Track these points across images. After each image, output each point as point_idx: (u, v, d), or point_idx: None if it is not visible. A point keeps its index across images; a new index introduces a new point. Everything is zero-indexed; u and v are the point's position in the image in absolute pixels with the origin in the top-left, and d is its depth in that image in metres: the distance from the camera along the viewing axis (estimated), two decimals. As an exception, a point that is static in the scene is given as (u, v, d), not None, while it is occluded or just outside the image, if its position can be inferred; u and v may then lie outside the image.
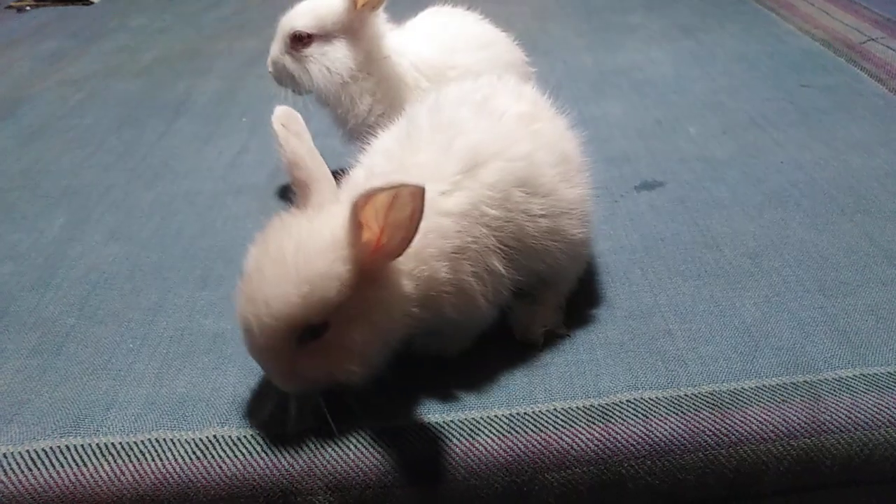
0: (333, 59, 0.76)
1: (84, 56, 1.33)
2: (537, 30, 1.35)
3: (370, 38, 0.78)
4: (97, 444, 0.54)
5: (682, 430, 0.53)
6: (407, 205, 0.48)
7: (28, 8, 1.58)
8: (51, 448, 0.53)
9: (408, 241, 0.50)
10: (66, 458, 0.53)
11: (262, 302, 0.49)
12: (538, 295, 0.62)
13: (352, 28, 0.77)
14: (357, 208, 0.48)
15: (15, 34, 1.45)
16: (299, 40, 0.77)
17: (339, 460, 0.53)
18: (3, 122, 1.08)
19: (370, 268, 0.51)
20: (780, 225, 0.76)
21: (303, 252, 0.49)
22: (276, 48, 0.79)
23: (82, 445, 0.54)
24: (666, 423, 0.53)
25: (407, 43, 0.81)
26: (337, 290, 0.49)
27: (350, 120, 0.79)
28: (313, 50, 0.77)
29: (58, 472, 0.52)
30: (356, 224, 0.49)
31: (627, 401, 0.55)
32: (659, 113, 1.01)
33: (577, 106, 1.02)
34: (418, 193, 0.47)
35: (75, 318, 0.68)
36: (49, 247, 0.79)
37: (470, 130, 0.57)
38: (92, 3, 1.61)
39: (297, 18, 0.77)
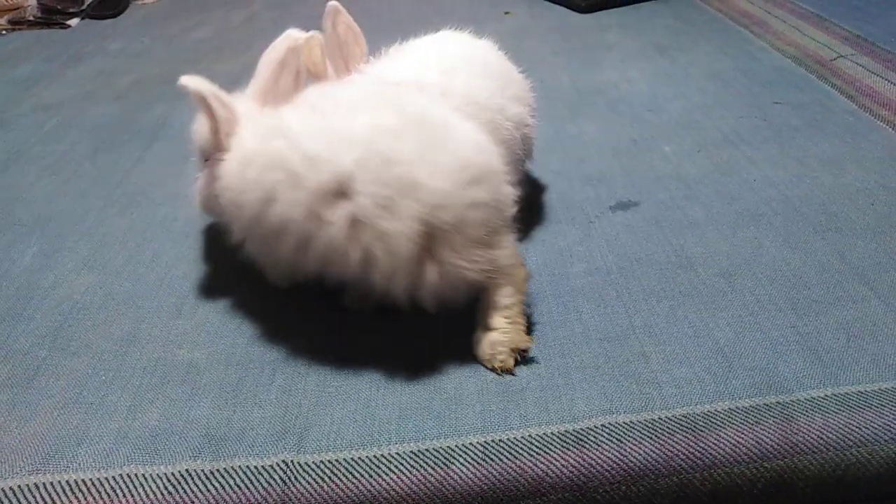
0: None
1: (60, 80, 1.33)
2: (515, 48, 1.36)
3: None
4: (67, 482, 0.53)
5: (657, 455, 0.53)
6: None
7: (4, 32, 1.57)
8: (19, 486, 0.53)
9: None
10: (35, 496, 0.52)
11: None
12: (490, 322, 0.63)
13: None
14: None
15: (-10, 59, 1.44)
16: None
17: (313, 492, 0.52)
18: (-23, 149, 1.07)
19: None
20: (753, 244, 0.77)
21: None
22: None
23: (52, 483, 0.53)
24: (640, 448, 0.54)
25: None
26: None
27: None
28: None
29: (26, 512, 0.51)
30: None
31: (602, 425, 0.55)
32: (635, 132, 1.02)
33: (554, 125, 1.05)
34: None
35: (47, 349, 0.68)
36: (21, 276, 0.78)
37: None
38: (69, 26, 1.60)
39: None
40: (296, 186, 0.58)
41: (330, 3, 0.77)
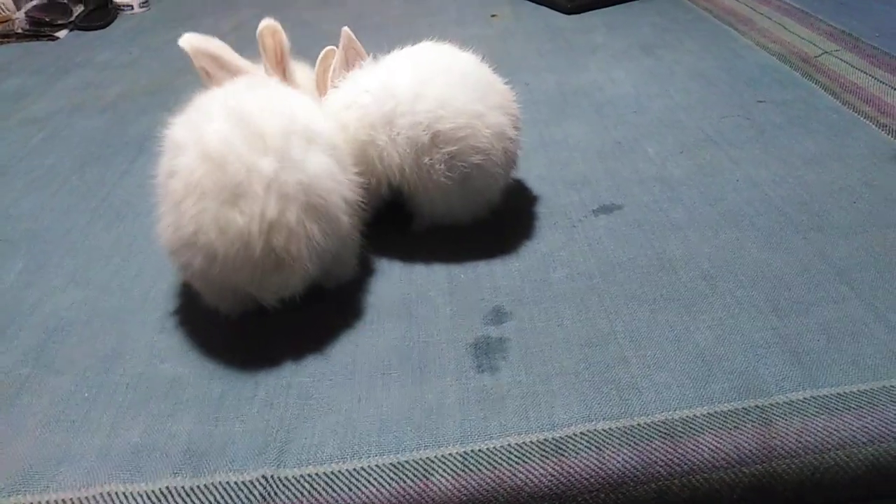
0: None
1: (47, 93, 1.33)
2: (500, 51, 1.37)
3: None
4: (47, 502, 0.53)
5: (635, 462, 0.53)
6: None
7: (-8, 45, 1.57)
8: (0, 507, 0.53)
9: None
10: (15, 516, 0.52)
11: None
12: None
13: None
14: None
15: (-22, 73, 1.44)
16: None
17: (294, 507, 0.52)
18: (-36, 165, 1.08)
19: None
20: (735, 245, 0.77)
21: None
22: None
23: None
24: (619, 455, 0.54)
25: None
26: None
27: None
28: None
29: (7, 533, 0.52)
30: None
31: (581, 433, 0.55)
32: (619, 133, 1.02)
33: (538, 129, 1.05)
34: None
35: (30, 367, 0.68)
36: (6, 293, 0.79)
37: None
38: (57, 38, 1.60)
39: None
40: None
41: (344, 29, 0.82)
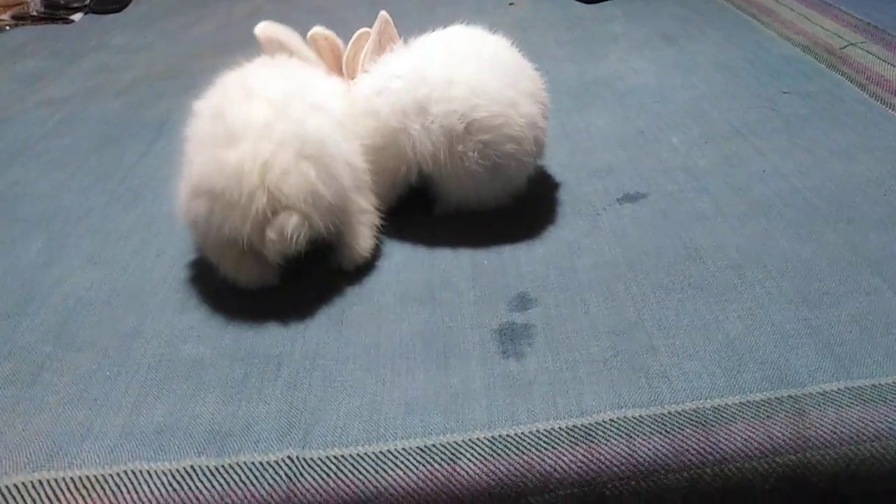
0: None
1: (64, 76, 1.32)
2: (519, 40, 1.35)
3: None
4: (71, 478, 0.52)
5: (667, 450, 0.52)
6: None
7: (7, 27, 1.56)
8: (23, 483, 0.52)
9: None
10: (38, 493, 0.52)
11: None
12: None
13: None
14: None
15: (-6, 55, 1.44)
16: None
17: (319, 488, 0.52)
18: (-18, 145, 1.07)
19: None
20: (763, 235, 0.76)
21: None
22: None
23: (56, 479, 0.53)
24: (650, 443, 0.53)
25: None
26: None
27: None
28: None
29: (30, 509, 0.51)
30: None
31: (611, 420, 0.54)
32: (642, 123, 1.01)
33: (560, 118, 1.04)
34: None
35: (51, 345, 0.67)
36: (25, 272, 0.78)
37: None
38: (72, 21, 1.60)
39: None
40: None
41: (382, 12, 0.82)
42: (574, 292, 0.70)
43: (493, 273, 0.73)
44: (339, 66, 0.83)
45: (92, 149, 1.05)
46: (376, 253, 0.76)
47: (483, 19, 1.47)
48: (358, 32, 0.83)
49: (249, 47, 0.85)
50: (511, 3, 1.56)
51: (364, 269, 0.74)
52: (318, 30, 0.82)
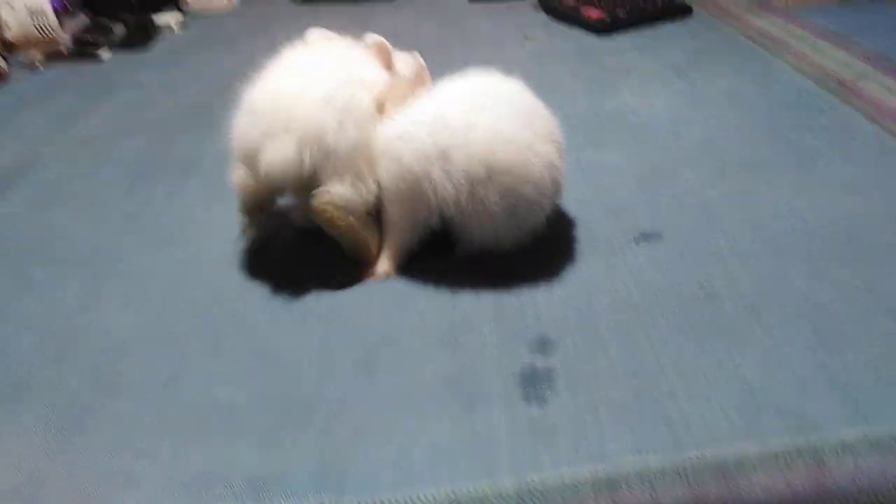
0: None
1: (94, 114, 1.37)
2: (534, 74, 1.38)
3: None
4: (117, 526, 0.55)
5: (689, 499, 0.54)
6: None
7: (40, 67, 1.62)
8: (72, 531, 0.55)
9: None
10: (86, 540, 0.54)
11: None
12: None
13: None
14: None
15: (28, 94, 1.49)
16: None
17: (353, 536, 0.54)
18: (18, 187, 1.11)
19: None
20: (778, 275, 0.78)
21: None
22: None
23: (102, 527, 0.55)
24: (673, 492, 0.54)
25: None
26: None
27: None
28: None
29: (79, 556, 0.53)
30: None
31: (635, 471, 0.56)
32: (656, 159, 1.03)
33: (576, 153, 1.06)
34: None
35: (93, 392, 0.70)
36: (64, 316, 0.81)
37: None
38: (101, 58, 1.65)
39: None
40: None
41: (417, 56, 0.87)
42: (593, 335, 0.72)
43: (513, 314, 0.75)
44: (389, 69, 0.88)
45: (123, 189, 1.08)
46: (401, 296, 0.79)
47: (499, 53, 1.51)
48: (392, 78, 0.84)
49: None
50: (526, 37, 1.59)
51: (390, 311, 0.77)
52: (373, 37, 0.87)
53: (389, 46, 0.88)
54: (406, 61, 0.87)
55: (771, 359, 0.66)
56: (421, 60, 0.85)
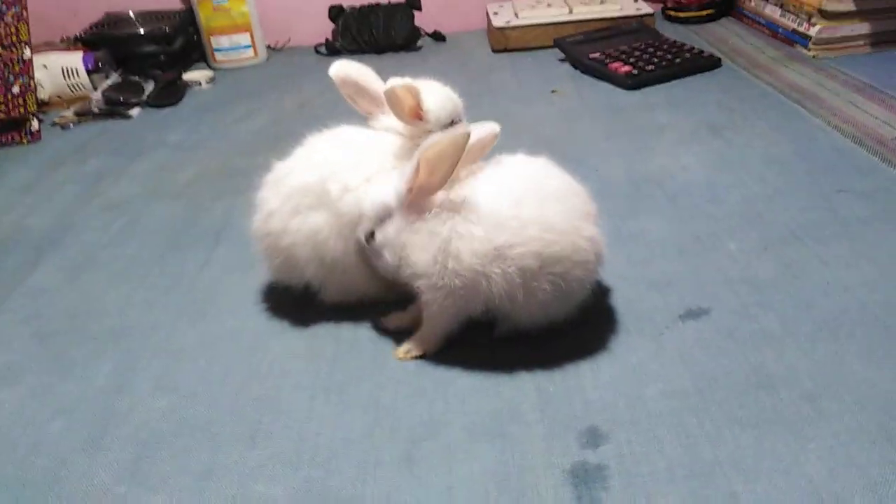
0: (393, 239, 0.79)
1: (124, 176, 1.37)
2: (566, 132, 1.37)
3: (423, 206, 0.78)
4: None
5: None
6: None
7: (71, 125, 1.64)
8: None
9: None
10: None
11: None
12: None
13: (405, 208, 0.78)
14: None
15: (59, 154, 1.50)
16: (367, 239, 0.81)
17: None
18: (51, 255, 1.11)
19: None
20: (835, 360, 0.74)
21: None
22: (359, 238, 0.82)
23: None
24: None
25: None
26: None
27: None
28: (376, 243, 0.80)
29: None
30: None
31: (700, 588, 0.53)
32: (697, 227, 1.01)
33: (614, 222, 1.04)
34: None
35: (126, 485, 0.68)
36: (97, 399, 0.80)
37: None
38: (131, 116, 1.67)
39: (369, 218, 0.80)
40: None
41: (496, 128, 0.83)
42: (646, 426, 0.69)
43: (559, 402, 0.73)
44: (415, 114, 0.85)
45: (154, 258, 1.08)
46: (441, 381, 0.77)
47: (528, 109, 1.50)
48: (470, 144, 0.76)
49: (301, 142, 0.89)
50: (554, 91, 1.58)
51: (430, 398, 0.75)
52: (395, 81, 0.82)
53: (417, 87, 0.84)
54: (478, 130, 0.81)
55: (835, 455, 0.63)
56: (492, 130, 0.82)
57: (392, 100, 0.83)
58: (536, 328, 0.80)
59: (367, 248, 0.81)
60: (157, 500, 0.66)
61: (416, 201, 0.77)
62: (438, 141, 0.73)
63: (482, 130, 0.81)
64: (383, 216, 0.79)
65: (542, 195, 0.76)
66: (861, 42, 1.61)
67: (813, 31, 1.61)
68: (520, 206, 0.74)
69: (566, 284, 0.75)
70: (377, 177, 0.82)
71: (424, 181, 0.75)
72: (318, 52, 2.05)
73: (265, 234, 0.87)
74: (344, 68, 0.89)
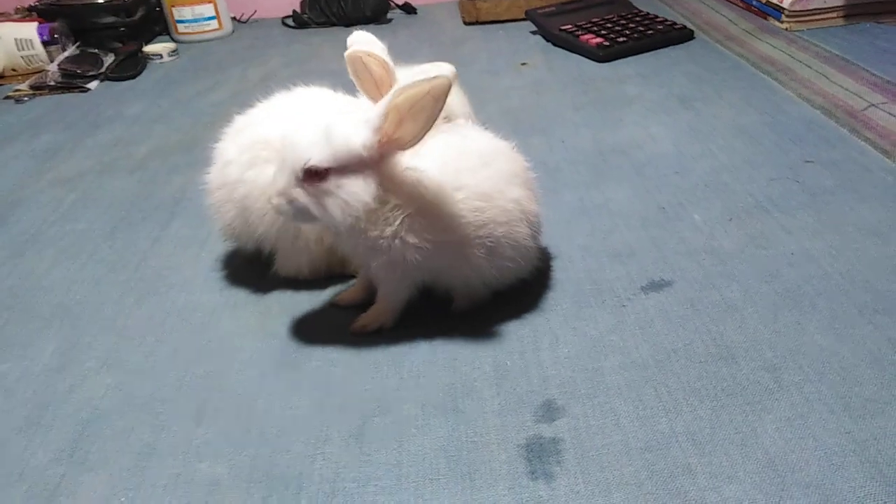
0: (351, 193, 0.69)
1: (78, 150, 1.32)
2: (534, 104, 1.34)
3: (390, 164, 0.71)
4: None
5: None
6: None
7: (26, 98, 1.58)
8: None
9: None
10: None
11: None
12: None
13: (371, 161, 0.69)
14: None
15: (11, 128, 1.45)
16: (314, 175, 0.69)
17: None
18: (-3, 230, 1.07)
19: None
20: (796, 330, 0.73)
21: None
22: (284, 180, 0.70)
23: None
24: (693, 589, 0.50)
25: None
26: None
27: (373, 237, 0.73)
28: (329, 185, 0.69)
29: None
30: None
31: (650, 561, 0.51)
32: (662, 198, 0.99)
33: (579, 192, 1.02)
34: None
35: (65, 465, 0.65)
36: (40, 378, 0.76)
37: None
38: (88, 89, 1.61)
39: (312, 152, 0.68)
40: None
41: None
42: (602, 399, 0.67)
43: (516, 376, 0.71)
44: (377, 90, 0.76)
45: (105, 234, 1.04)
46: (395, 356, 0.74)
47: (498, 82, 1.47)
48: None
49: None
50: (523, 64, 1.55)
51: (385, 373, 0.72)
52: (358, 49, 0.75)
53: (380, 57, 0.76)
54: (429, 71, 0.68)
55: (793, 426, 0.62)
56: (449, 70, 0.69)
57: (356, 67, 0.75)
58: (482, 298, 0.78)
59: (303, 189, 0.68)
60: (95, 480, 0.63)
61: (384, 154, 0.69)
62: (412, 85, 0.62)
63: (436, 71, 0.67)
64: (345, 161, 0.68)
65: (466, 160, 0.73)
66: (834, 14, 1.59)
67: (786, 3, 1.59)
68: (445, 173, 0.72)
69: (492, 245, 0.73)
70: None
71: (393, 133, 0.67)
72: (285, 24, 2.00)
73: (220, 185, 0.84)
74: (361, 41, 0.78)
